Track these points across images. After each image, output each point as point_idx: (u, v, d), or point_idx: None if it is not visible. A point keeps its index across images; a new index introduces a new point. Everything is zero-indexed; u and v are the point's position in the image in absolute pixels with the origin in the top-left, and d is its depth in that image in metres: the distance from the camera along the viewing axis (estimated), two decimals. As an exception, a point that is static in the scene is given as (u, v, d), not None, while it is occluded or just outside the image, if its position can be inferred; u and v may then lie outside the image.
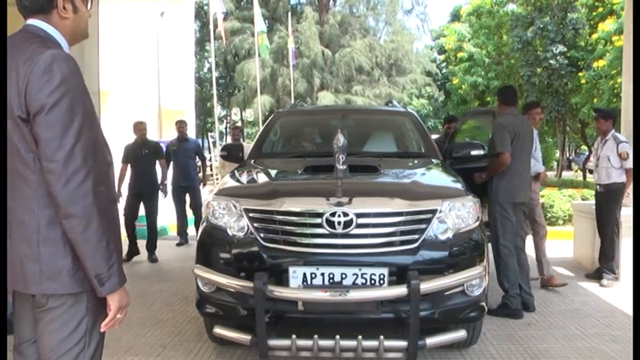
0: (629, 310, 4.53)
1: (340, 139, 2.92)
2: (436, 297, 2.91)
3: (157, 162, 6.80)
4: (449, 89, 24.21)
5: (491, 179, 4.50)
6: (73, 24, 1.65)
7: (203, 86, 29.55)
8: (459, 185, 3.45)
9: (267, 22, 24.68)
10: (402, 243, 2.94)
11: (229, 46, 23.65)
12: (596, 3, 16.00)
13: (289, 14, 17.85)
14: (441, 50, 25.80)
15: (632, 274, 5.39)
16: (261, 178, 3.66)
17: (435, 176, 3.79)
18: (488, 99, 20.75)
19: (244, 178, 3.82)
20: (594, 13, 16.32)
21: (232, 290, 3.00)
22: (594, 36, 15.28)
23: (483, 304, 3.12)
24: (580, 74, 16.08)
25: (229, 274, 2.99)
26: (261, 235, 3.00)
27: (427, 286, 2.74)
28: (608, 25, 14.44)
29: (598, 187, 5.62)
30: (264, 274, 2.81)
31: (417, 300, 2.68)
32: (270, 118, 5.24)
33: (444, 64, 25.79)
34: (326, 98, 22.31)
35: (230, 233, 3.09)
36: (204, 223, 3.31)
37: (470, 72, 20.61)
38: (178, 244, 7.58)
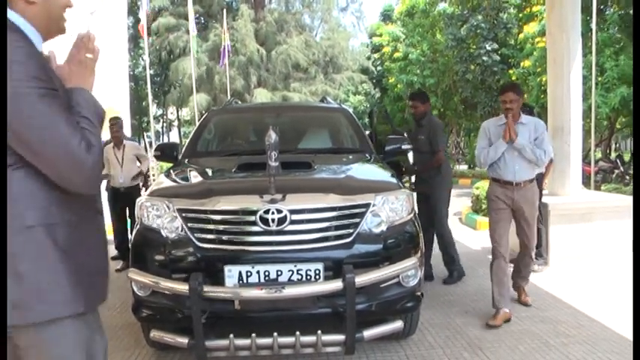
0: (556, 292, 4.81)
1: (272, 136, 2.91)
2: (372, 289, 2.95)
3: None
4: (385, 86, 24.69)
5: (430, 172, 5.21)
6: (42, 11, 1.45)
7: (138, 84, 28.67)
8: (392, 179, 3.51)
9: (202, 19, 24.22)
10: (337, 238, 2.96)
11: (164, 43, 23.03)
12: (524, 4, 16.72)
13: (224, 12, 17.56)
14: (376, 49, 26.24)
15: (584, 263, 5.69)
16: (195, 177, 3.59)
17: (369, 171, 3.84)
18: (424, 96, 21.26)
19: (178, 178, 3.73)
20: (521, 14, 17.07)
21: (168, 292, 2.92)
22: (521, 36, 15.99)
23: (419, 293, 3.20)
24: (511, 71, 16.79)
25: (164, 276, 2.92)
26: (196, 235, 2.95)
27: (362, 279, 2.78)
28: (532, 27, 15.13)
29: None
30: (199, 274, 2.76)
31: (353, 293, 2.71)
32: (203, 116, 5.16)
33: (380, 62, 26.23)
34: (262, 95, 22.16)
35: (164, 234, 3.02)
36: (138, 226, 3.21)
37: (405, 71, 21.08)
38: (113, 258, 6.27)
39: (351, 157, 4.22)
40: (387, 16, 27.86)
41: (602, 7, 12.93)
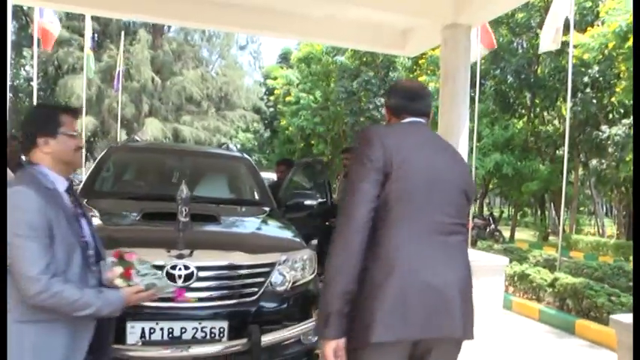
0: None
1: (184, 191, 2.93)
2: (275, 347, 2.99)
3: None
4: (276, 128, 25.23)
5: None
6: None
7: (18, 97, 26.42)
8: (296, 238, 3.62)
9: (97, 36, 23.10)
10: (242, 296, 3.00)
11: (52, 56, 21.54)
12: (414, 66, 18.12)
13: (122, 34, 16.97)
14: (270, 91, 26.82)
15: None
16: (95, 222, 3.43)
17: (273, 227, 3.92)
18: (313, 141, 22.04)
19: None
20: (411, 75, 18.47)
21: None
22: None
23: (318, 351, 3.31)
24: (398, 128, 17.95)
25: None
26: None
27: (268, 338, 2.84)
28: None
29: None
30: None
31: (259, 352, 2.76)
32: (103, 152, 4.96)
33: (273, 104, 26.80)
34: (153, 125, 21.46)
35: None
36: None
37: (297, 115, 21.75)
38: None
39: (253, 209, 4.29)
40: (284, 59, 28.66)
41: (482, 80, 14.45)
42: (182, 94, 22.91)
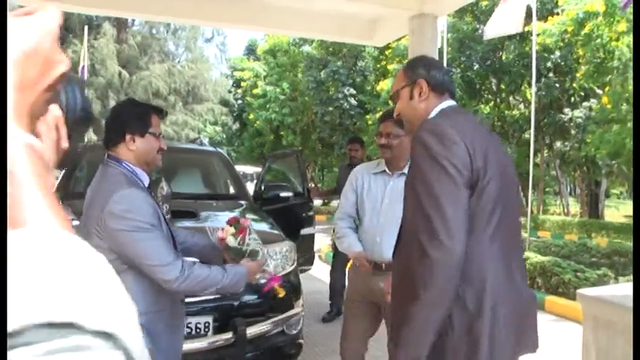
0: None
1: (164, 188, 2.95)
2: (259, 339, 3.08)
3: None
4: (245, 121, 25.10)
5: None
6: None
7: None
8: (275, 230, 3.70)
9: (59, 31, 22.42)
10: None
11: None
12: (380, 56, 18.25)
13: (86, 28, 16.57)
14: (238, 83, 26.61)
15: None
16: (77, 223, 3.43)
17: (253, 221, 3.98)
18: (282, 133, 22.05)
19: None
20: (378, 65, 18.60)
21: None
22: (381, 84, 17.38)
23: (301, 340, 3.40)
24: (367, 116, 18.12)
25: None
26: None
27: (253, 330, 2.92)
28: (387, 84, 16.55)
29: None
30: None
31: (244, 345, 2.84)
32: (76, 152, 4.91)
33: (241, 96, 26.62)
34: (120, 121, 21.03)
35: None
36: None
37: (265, 107, 21.70)
38: None
39: (229, 203, 4.33)
40: (251, 51, 28.46)
41: (449, 68, 14.70)
42: (149, 88, 22.51)
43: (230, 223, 2.15)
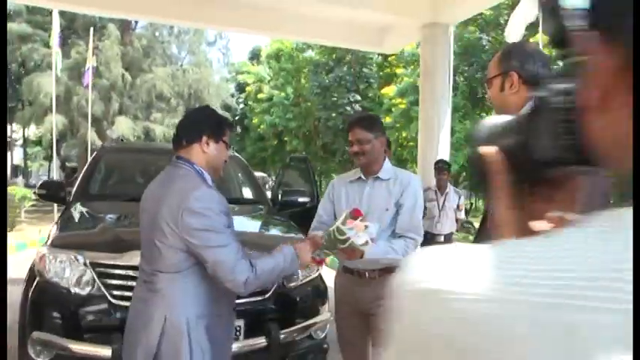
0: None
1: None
2: (289, 343, 3.09)
3: None
4: (247, 125, 25.08)
5: None
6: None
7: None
8: (299, 234, 3.71)
9: (63, 33, 22.38)
10: (256, 294, 3.06)
11: (15, 53, 20.80)
12: (385, 63, 18.32)
13: (91, 30, 16.54)
14: (241, 87, 26.60)
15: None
16: (102, 225, 3.43)
17: (275, 225, 4.01)
18: (286, 138, 22.08)
19: (81, 226, 3.54)
20: (382, 73, 18.68)
21: (82, 357, 2.72)
22: (384, 91, 17.46)
23: (326, 345, 3.42)
24: (370, 123, 18.14)
25: (75, 339, 2.73)
26: (112, 291, 2.85)
27: (283, 335, 2.93)
28: (391, 90, 16.63)
29: (439, 236, 6.07)
30: (120, 335, 2.67)
31: (277, 349, 2.85)
32: (94, 154, 4.93)
33: (243, 101, 26.62)
34: (123, 124, 21.02)
35: (73, 291, 2.84)
36: (37, 280, 2.95)
37: (269, 112, 21.70)
38: None
39: (251, 207, 4.35)
40: (255, 56, 28.51)
41: (455, 77, 14.80)
42: (152, 91, 22.49)
43: (357, 214, 2.18)
